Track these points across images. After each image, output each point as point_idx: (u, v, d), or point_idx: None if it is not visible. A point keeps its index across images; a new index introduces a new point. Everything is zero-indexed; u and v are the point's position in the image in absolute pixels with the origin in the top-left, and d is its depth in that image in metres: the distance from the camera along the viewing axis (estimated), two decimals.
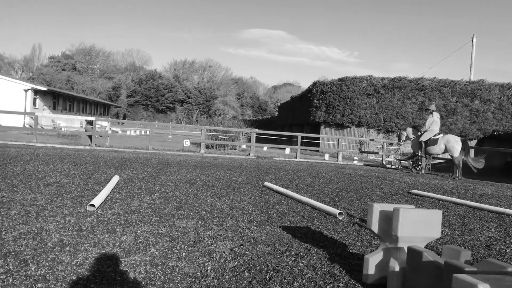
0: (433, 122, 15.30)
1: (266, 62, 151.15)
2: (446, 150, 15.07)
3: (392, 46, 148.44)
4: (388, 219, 3.35)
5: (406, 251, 3.22)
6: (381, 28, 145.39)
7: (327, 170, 13.71)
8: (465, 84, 28.10)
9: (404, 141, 16.93)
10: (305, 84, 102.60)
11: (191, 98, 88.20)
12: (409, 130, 16.49)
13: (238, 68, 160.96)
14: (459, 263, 2.67)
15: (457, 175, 14.74)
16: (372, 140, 23.96)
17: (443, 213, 5.48)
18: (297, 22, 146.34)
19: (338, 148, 20.22)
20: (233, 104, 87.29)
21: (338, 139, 21.90)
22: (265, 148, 26.16)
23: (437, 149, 15.14)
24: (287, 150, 24.30)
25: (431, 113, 15.51)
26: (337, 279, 3.43)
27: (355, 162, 19.53)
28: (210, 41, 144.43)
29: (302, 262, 3.79)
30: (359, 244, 4.60)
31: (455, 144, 14.75)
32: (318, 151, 26.23)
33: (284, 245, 4.33)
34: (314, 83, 31.74)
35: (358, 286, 3.31)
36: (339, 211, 6.01)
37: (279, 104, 55.88)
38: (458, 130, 27.08)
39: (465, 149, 14.74)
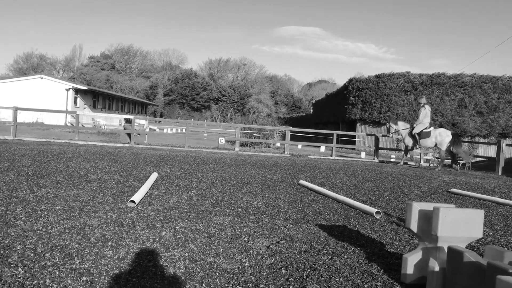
0: (426, 115, 15.61)
1: (301, 59, 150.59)
2: (436, 143, 15.53)
3: (430, 42, 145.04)
4: (428, 219, 3.30)
5: (446, 251, 3.16)
6: (419, 23, 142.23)
7: (363, 169, 13.55)
8: (508, 80, 27.11)
9: (393, 133, 17.10)
10: (340, 81, 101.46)
11: (226, 96, 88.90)
12: (400, 123, 16.77)
13: (272, 66, 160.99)
14: (503, 264, 2.61)
15: (439, 167, 15.43)
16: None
17: (484, 212, 5.34)
18: (332, 18, 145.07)
19: (374, 146, 19.89)
20: (267, 102, 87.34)
21: (375, 136, 21.56)
22: (299, 146, 26.07)
23: (429, 142, 15.54)
24: (322, 148, 24.14)
25: (423, 106, 15.75)
26: (375, 278, 3.41)
27: (392, 160, 19.19)
28: (244, 40, 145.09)
29: (339, 261, 3.78)
30: (397, 243, 4.55)
31: (445, 138, 15.29)
32: (354, 149, 25.93)
33: (321, 243, 4.33)
34: (350, 80, 31.37)
35: (397, 286, 3.28)
36: (377, 210, 5.94)
37: (313, 101, 55.53)
38: (500, 128, 26.19)
39: (456, 142, 15.30)
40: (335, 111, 35.24)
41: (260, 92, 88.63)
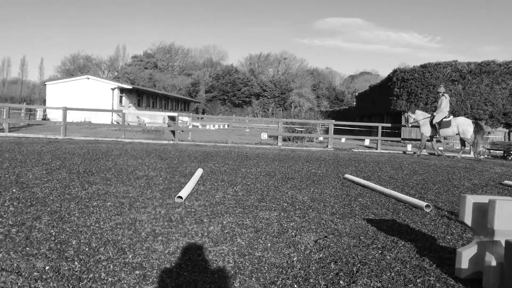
0: (446, 104, 15.52)
1: (342, 51, 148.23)
2: (458, 132, 15.43)
3: (478, 28, 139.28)
4: (482, 212, 3.17)
5: (503, 245, 3.03)
6: (466, 9, 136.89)
7: (410, 161, 13.20)
8: None
9: (412, 123, 16.80)
10: (384, 73, 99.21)
11: (267, 91, 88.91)
12: (418, 112, 16.49)
13: (313, 59, 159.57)
14: None
15: (478, 155, 15.37)
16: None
17: None
18: (374, 8, 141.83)
19: (421, 137, 19.22)
20: (309, 95, 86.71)
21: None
22: (343, 140, 25.74)
23: (449, 131, 15.49)
24: (367, 141, 23.71)
25: (443, 94, 15.64)
26: (427, 273, 3.31)
27: (440, 152, 18.57)
28: (284, 34, 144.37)
29: (390, 255, 3.70)
30: (449, 237, 4.40)
31: (468, 126, 15.18)
32: (400, 141, 25.33)
33: (370, 237, 4.25)
34: (394, 71, 30.60)
35: (450, 281, 3.18)
36: (426, 203, 5.78)
37: (356, 94, 54.56)
38: None
39: (478, 131, 15.16)
40: (379, 103, 34.51)
41: (301, 86, 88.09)
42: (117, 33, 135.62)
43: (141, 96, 42.56)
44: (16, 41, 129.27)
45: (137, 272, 3.12)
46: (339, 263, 3.46)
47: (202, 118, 55.96)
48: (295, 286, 2.99)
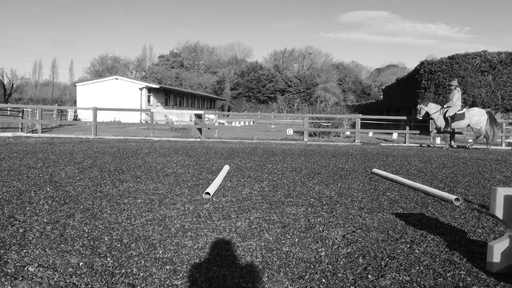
0: (459, 98, 15.61)
1: (368, 45, 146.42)
2: (469, 124, 15.47)
3: (509, 17, 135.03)
4: None
5: None
6: None
7: (439, 154, 12.97)
8: None
9: (424, 115, 16.69)
10: (411, 65, 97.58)
11: (292, 87, 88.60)
12: (431, 105, 16.39)
13: (338, 53, 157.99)
14: None
15: (488, 145, 15.51)
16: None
17: None
18: (400, 0, 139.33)
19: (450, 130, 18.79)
20: (335, 90, 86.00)
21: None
22: (370, 134, 25.45)
23: (463, 123, 15.52)
24: (395, 135, 23.38)
25: (455, 88, 15.71)
26: (457, 267, 3.27)
27: (469, 145, 18.18)
28: (309, 28, 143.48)
29: (419, 249, 3.67)
30: (479, 231, 4.33)
31: (481, 117, 15.22)
32: (428, 134, 24.88)
33: (398, 232, 4.22)
34: (422, 63, 30.03)
35: (482, 275, 3.13)
36: (456, 196, 5.68)
37: (383, 87, 53.79)
38: None
39: (492, 120, 15.21)
40: (407, 96, 33.94)
41: (327, 81, 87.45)
42: (144, 34, 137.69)
43: (168, 95, 43.07)
44: (46, 44, 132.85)
45: (167, 267, 3.19)
46: (367, 258, 3.45)
47: (228, 115, 56.20)
48: (323, 280, 3.01)
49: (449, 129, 16.04)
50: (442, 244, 3.83)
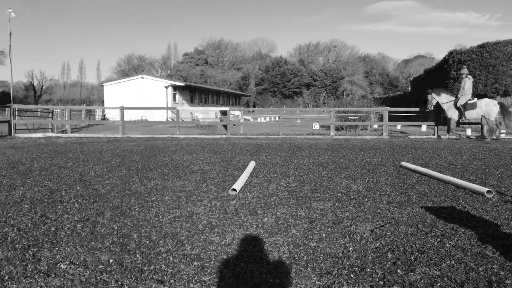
0: (470, 86, 15.16)
1: (395, 36, 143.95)
2: (483, 114, 15.06)
3: None
4: None
5: None
6: None
7: (470, 146, 12.66)
8: None
9: (433, 106, 16.42)
10: (439, 55, 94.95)
11: (317, 80, 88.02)
12: (443, 95, 15.99)
13: (364, 45, 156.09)
14: None
15: (489, 137, 14.98)
16: None
17: None
18: None
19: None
20: (361, 83, 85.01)
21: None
22: (398, 127, 25.02)
23: (474, 113, 15.18)
24: (424, 127, 22.91)
25: (466, 76, 15.31)
26: (490, 261, 3.18)
27: (502, 135, 17.69)
28: (334, 21, 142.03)
29: (449, 243, 3.59)
30: None
31: (493, 107, 14.85)
32: (458, 126, 24.32)
33: (428, 225, 4.14)
34: (450, 53, 29.33)
35: None
36: (488, 189, 5.52)
37: (411, 78, 52.79)
38: None
39: (505, 113, 14.81)
40: (436, 87, 33.21)
41: (353, 74, 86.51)
42: (168, 32, 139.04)
43: (194, 93, 43.38)
44: (74, 46, 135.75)
45: (195, 263, 3.21)
46: (396, 252, 3.39)
47: (253, 111, 56.26)
48: (351, 275, 2.97)
49: (464, 119, 15.72)
50: (473, 238, 3.74)
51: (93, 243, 3.66)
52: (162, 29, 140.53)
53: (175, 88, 38.44)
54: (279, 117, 20.81)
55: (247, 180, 6.60)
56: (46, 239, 3.75)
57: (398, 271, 3.03)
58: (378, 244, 3.61)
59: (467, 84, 15.16)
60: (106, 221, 4.34)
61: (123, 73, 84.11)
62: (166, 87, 36.95)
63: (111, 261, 3.25)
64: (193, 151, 11.23)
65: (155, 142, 14.35)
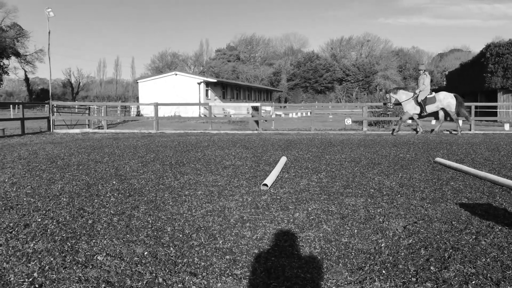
0: (428, 82, 15.71)
1: (430, 29, 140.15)
2: (443, 106, 15.73)
3: None
4: None
5: None
6: None
7: (508, 142, 12.28)
8: None
9: (392, 105, 16.49)
10: (476, 49, 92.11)
11: (350, 75, 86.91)
12: (401, 92, 16.26)
13: (398, 39, 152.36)
14: None
15: (459, 132, 15.80)
16: None
17: None
18: None
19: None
20: (395, 77, 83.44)
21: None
22: (433, 122, 24.47)
23: (433, 107, 15.75)
24: (460, 122, 22.33)
25: (424, 72, 15.85)
26: None
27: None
28: (367, 15, 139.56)
29: (485, 241, 3.52)
30: None
31: (451, 100, 15.64)
32: (495, 121, 23.61)
33: (463, 222, 4.06)
34: (488, 46, 28.42)
35: None
36: None
37: (446, 72, 51.44)
38: None
39: (460, 103, 15.68)
40: (472, 81, 32.30)
41: (386, 68, 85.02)
42: (201, 29, 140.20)
43: (225, 89, 43.63)
44: (109, 43, 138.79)
45: (227, 257, 3.27)
46: (429, 249, 3.35)
47: (285, 106, 56.05)
48: (383, 271, 2.96)
49: (425, 113, 15.96)
50: (511, 236, 3.65)
51: (128, 236, 3.77)
52: (194, 26, 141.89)
53: (208, 84, 38.74)
54: (310, 113, 20.70)
55: (278, 176, 6.62)
56: (84, 232, 3.89)
57: (431, 268, 2.99)
58: (411, 240, 3.57)
59: (427, 80, 15.72)
60: (141, 214, 4.45)
61: (157, 70, 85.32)
62: (199, 83, 37.30)
63: (145, 253, 3.34)
64: (225, 146, 11.33)
65: (188, 138, 14.54)
